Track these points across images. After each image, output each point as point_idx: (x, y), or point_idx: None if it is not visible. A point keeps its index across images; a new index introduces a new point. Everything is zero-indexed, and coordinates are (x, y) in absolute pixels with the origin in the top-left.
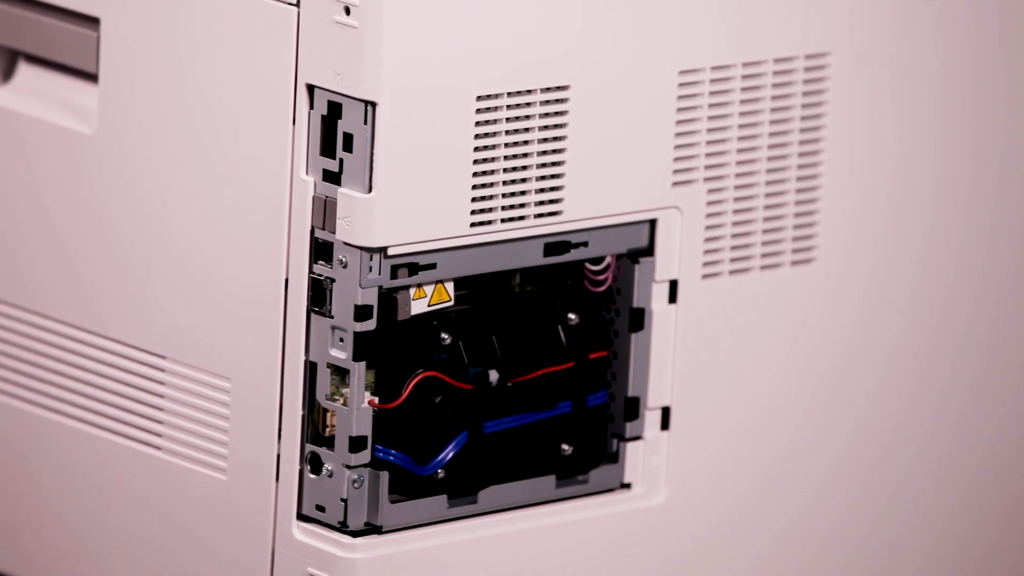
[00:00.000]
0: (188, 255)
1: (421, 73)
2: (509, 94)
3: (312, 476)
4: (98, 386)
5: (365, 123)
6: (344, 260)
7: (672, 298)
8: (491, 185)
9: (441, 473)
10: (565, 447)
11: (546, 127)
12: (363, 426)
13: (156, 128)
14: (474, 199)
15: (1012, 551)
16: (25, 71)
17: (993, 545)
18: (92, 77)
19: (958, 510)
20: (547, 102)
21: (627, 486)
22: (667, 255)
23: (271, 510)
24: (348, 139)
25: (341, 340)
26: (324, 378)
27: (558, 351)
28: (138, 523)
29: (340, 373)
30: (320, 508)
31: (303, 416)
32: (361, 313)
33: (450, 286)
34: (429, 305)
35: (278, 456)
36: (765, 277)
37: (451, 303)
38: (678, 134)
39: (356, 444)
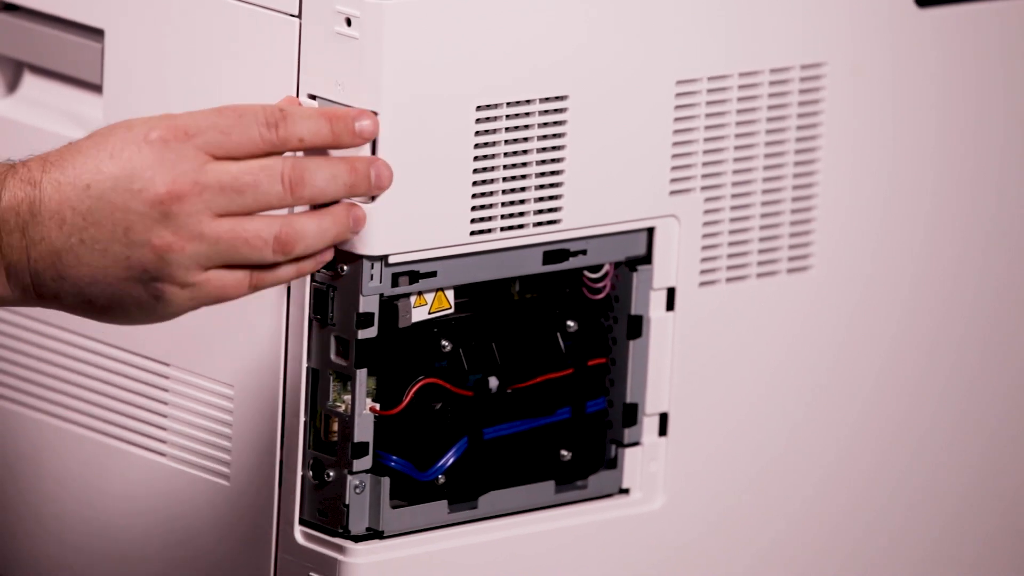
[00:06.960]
0: None
1: (421, 83)
2: (508, 104)
3: (314, 482)
4: (102, 393)
5: None
6: (345, 268)
7: (670, 305)
8: (491, 194)
9: (442, 479)
10: (564, 453)
11: (545, 136)
12: (364, 432)
13: None
14: (474, 208)
15: (1012, 553)
16: (30, 82)
17: (993, 550)
18: (96, 88)
19: (951, 526)
20: (546, 112)
21: (625, 491)
22: (665, 263)
23: (273, 515)
24: None
25: (343, 347)
26: (326, 385)
27: (557, 358)
28: (141, 529)
29: (342, 380)
30: (322, 513)
31: (305, 423)
32: (362, 321)
33: (450, 294)
34: (429, 313)
35: (280, 462)
36: (762, 285)
37: (451, 311)
38: (675, 143)
39: (358, 450)
